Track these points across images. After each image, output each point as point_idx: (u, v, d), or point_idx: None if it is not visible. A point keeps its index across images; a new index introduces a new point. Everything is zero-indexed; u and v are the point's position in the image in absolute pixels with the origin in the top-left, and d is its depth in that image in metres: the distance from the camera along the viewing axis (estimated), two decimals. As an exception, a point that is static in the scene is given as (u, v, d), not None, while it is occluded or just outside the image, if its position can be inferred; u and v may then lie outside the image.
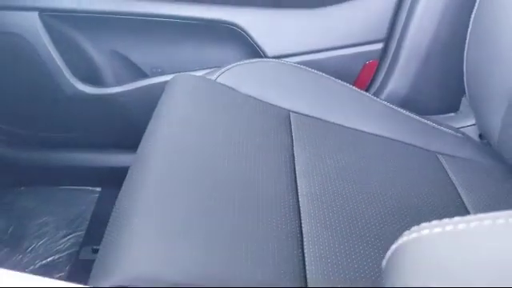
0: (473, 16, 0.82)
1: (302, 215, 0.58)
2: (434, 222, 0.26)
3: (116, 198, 0.63)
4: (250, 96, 0.83)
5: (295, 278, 0.50)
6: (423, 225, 0.27)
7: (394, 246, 0.27)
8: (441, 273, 0.25)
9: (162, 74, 1.08)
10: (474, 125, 0.95)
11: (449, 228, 0.25)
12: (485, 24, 0.79)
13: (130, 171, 0.65)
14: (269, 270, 0.49)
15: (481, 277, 0.24)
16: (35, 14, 1.01)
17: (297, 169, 0.68)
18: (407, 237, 0.26)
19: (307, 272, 0.50)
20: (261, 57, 1.05)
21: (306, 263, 0.51)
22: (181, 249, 0.49)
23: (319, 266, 0.51)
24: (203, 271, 0.47)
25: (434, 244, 0.26)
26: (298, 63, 0.98)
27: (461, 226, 0.25)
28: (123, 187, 0.63)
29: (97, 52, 1.10)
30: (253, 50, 1.05)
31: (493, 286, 0.23)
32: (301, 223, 0.57)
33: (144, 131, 0.78)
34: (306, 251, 0.52)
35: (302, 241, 0.53)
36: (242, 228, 0.52)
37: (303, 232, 0.55)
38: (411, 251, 0.26)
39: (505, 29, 0.73)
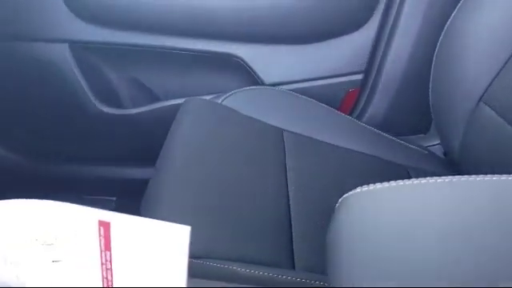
0: (436, 52, 0.93)
1: (291, 206, 0.72)
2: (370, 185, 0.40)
3: (129, 206, 0.73)
4: (249, 117, 0.93)
5: (283, 251, 0.64)
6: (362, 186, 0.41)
7: (340, 200, 0.41)
8: (368, 214, 0.38)
9: (173, 97, 1.15)
10: (439, 144, 1.06)
11: (379, 186, 0.40)
12: (445, 61, 0.91)
13: (153, 177, 0.78)
14: (261, 246, 0.62)
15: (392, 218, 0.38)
16: (66, 46, 1.09)
17: (288, 175, 0.80)
18: (349, 193, 0.40)
19: (294, 247, 0.63)
20: (259, 84, 1.12)
21: (293, 240, 0.64)
22: (198, 228, 0.62)
23: (304, 241, 0.65)
24: (213, 246, 0.60)
25: (365, 195, 0.40)
26: (291, 90, 1.07)
27: (386, 184, 0.39)
28: (148, 189, 0.75)
29: (117, 78, 1.18)
30: (252, 79, 1.13)
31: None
32: (289, 208, 0.70)
33: (156, 147, 0.86)
34: (293, 230, 0.65)
35: (290, 221, 0.67)
36: (242, 214, 0.66)
37: (291, 215, 0.68)
38: (350, 201, 0.40)
39: (457, 67, 0.86)
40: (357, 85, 1.15)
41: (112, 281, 0.39)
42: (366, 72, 1.14)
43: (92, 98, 1.14)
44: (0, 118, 1.17)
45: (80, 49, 1.12)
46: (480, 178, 0.37)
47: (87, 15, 1.08)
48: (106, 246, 0.38)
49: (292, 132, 0.92)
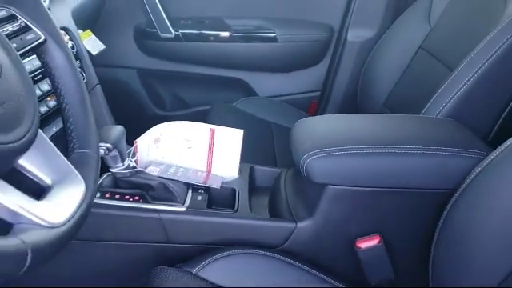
0: (361, 77, 1.47)
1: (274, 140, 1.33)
2: None
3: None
4: (251, 114, 1.48)
5: (268, 155, 1.24)
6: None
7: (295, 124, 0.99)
8: (312, 132, 0.97)
9: (200, 105, 1.66)
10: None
11: (322, 115, 1.00)
12: (364, 81, 1.45)
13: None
14: (259, 157, 1.22)
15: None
16: (135, 71, 1.63)
17: (274, 140, 1.40)
18: (302, 119, 1.00)
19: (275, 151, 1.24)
20: (256, 96, 1.64)
21: (275, 150, 1.25)
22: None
23: (281, 151, 1.25)
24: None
25: (310, 119, 0.98)
26: (277, 100, 1.62)
27: (325, 115, 1.00)
28: None
29: (164, 92, 1.71)
30: (252, 93, 1.65)
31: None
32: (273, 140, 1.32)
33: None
34: (275, 146, 1.28)
35: (273, 144, 1.29)
36: (248, 147, 1.25)
37: (274, 143, 1.30)
38: (301, 122, 0.98)
39: (371, 84, 1.44)
40: (317, 98, 1.68)
41: (212, 154, 0.99)
42: (322, 91, 1.67)
43: (150, 104, 1.68)
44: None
45: (143, 73, 1.65)
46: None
47: (148, 52, 1.64)
48: (212, 139, 0.98)
49: (277, 124, 1.48)
